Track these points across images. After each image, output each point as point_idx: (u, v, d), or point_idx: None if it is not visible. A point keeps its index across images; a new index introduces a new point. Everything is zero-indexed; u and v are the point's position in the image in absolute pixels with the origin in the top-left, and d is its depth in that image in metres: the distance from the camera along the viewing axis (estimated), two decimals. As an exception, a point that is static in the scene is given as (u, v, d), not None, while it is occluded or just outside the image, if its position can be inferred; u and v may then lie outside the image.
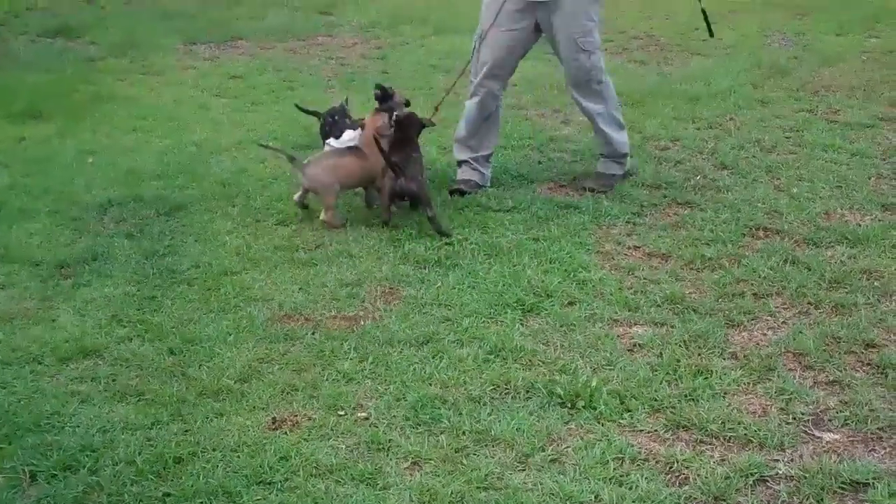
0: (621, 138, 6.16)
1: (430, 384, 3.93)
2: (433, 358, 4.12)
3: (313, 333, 4.35)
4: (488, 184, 6.17)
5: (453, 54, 9.70)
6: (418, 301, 4.63)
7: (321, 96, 8.10)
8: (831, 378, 3.97)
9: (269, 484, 3.36)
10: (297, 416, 3.74)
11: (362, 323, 4.45)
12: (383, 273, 4.92)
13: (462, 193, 6.01)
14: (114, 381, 4.02)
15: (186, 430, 3.66)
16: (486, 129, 6.16)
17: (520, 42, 5.97)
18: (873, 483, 3.30)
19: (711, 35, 6.25)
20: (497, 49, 5.95)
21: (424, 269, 4.97)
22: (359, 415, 3.75)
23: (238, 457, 3.50)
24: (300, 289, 4.78)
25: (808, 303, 4.59)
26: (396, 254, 5.14)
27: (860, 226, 5.40)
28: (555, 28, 5.84)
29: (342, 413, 3.76)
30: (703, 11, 6.15)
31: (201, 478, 3.38)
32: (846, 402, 3.79)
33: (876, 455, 3.49)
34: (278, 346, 4.25)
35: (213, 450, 3.53)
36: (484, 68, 6.00)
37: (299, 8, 12.41)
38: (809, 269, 4.88)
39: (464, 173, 6.18)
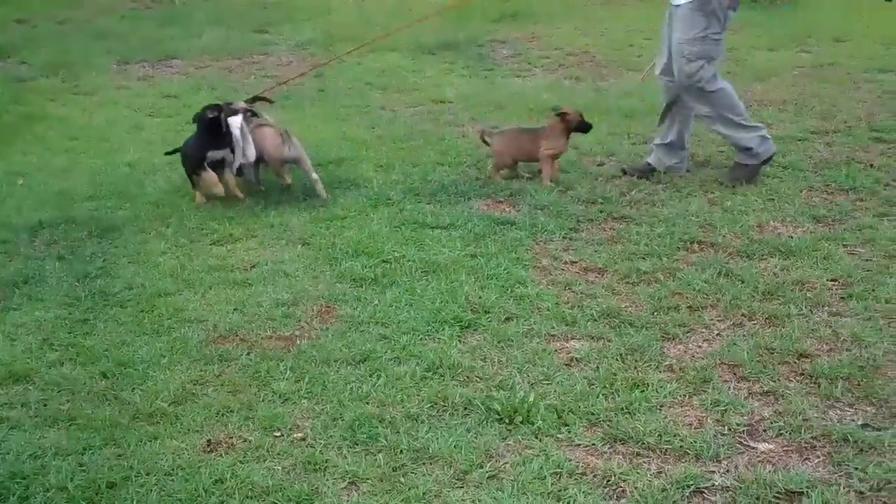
0: (738, 134, 6.40)
1: (368, 403, 3.91)
2: (370, 376, 4.10)
3: (248, 354, 4.31)
4: (677, 171, 6.64)
5: (389, 72, 9.72)
6: (355, 319, 4.60)
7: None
8: (765, 388, 4.00)
9: (204, 507, 3.32)
10: (232, 437, 3.70)
11: (298, 342, 4.41)
12: (319, 292, 4.89)
13: (624, 172, 6.65)
14: (45, 406, 3.94)
15: (120, 455, 3.60)
16: (671, 119, 6.61)
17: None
18: (807, 492, 3.33)
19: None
20: (661, 44, 6.59)
21: (361, 287, 4.95)
22: (295, 435, 3.71)
23: (172, 480, 3.44)
24: (235, 309, 4.73)
25: (742, 314, 4.63)
26: (333, 272, 5.12)
27: (792, 238, 5.47)
28: (673, 31, 6.27)
29: (278, 434, 3.72)
30: None
31: (135, 503, 3.33)
32: (780, 413, 3.83)
33: (810, 464, 3.52)
34: (213, 368, 4.20)
35: (147, 474, 3.48)
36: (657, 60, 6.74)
37: (234, 26, 12.35)
38: (743, 282, 4.93)
39: (648, 156, 6.79)
